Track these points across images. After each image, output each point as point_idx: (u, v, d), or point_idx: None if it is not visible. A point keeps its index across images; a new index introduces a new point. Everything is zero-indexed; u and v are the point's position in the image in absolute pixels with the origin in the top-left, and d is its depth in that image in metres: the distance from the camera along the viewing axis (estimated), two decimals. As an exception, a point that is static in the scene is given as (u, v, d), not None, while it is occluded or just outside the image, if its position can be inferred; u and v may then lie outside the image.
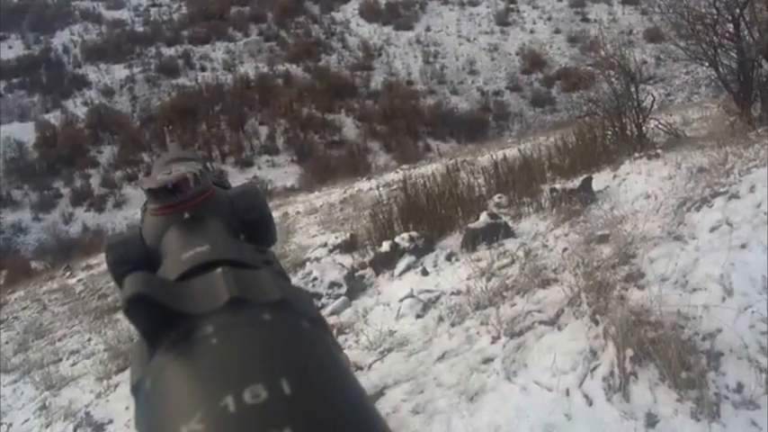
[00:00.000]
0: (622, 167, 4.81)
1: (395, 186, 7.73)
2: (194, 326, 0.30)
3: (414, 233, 4.23)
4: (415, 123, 28.58)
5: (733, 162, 3.79)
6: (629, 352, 2.11)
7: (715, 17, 5.55)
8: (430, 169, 7.83)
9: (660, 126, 5.86)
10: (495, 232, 3.90)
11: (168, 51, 34.15)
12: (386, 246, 4.17)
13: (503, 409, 2.12)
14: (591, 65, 7.92)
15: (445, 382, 2.41)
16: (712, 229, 2.88)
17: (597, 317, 2.42)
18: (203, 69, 33.18)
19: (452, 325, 2.87)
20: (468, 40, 34.74)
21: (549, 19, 35.50)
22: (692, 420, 1.83)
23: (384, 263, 4.07)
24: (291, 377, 0.25)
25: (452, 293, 3.24)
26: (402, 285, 3.63)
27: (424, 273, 3.74)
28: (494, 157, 6.96)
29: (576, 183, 4.35)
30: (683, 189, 3.61)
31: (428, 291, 3.38)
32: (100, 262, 9.06)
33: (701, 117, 7.26)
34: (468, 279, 3.34)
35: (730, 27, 5.52)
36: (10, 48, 33.91)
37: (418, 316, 3.15)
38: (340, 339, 3.12)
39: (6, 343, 5.58)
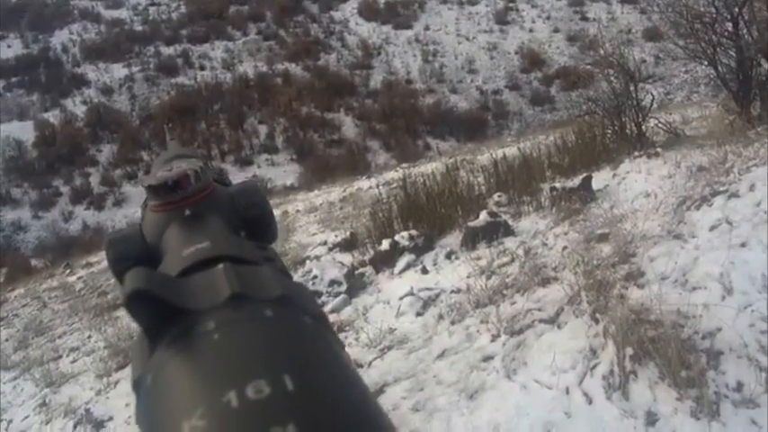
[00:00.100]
0: (622, 166, 4.81)
1: (394, 185, 7.73)
2: (195, 322, 0.30)
3: (413, 231, 4.23)
4: (415, 122, 28.61)
5: (732, 161, 3.79)
6: (629, 350, 2.11)
7: (714, 16, 5.55)
8: (429, 168, 7.84)
9: (659, 125, 5.86)
10: (495, 231, 3.90)
11: (167, 50, 34.14)
12: (386, 244, 4.17)
13: (502, 408, 2.12)
14: (590, 64, 7.91)
15: (445, 379, 2.41)
16: (712, 228, 2.88)
17: (597, 315, 2.42)
18: (202, 68, 33.18)
19: (452, 323, 2.87)
20: (468, 38, 34.74)
21: (548, 18, 35.50)
22: (692, 419, 1.83)
23: (384, 261, 4.07)
24: (294, 373, 0.25)
25: (452, 292, 3.24)
26: (402, 283, 3.63)
27: (424, 271, 3.74)
28: (493, 155, 6.96)
29: (575, 181, 4.35)
30: (683, 188, 3.60)
31: (428, 289, 3.38)
32: (100, 260, 9.07)
33: (701, 116, 7.26)
34: (467, 277, 3.34)
35: (729, 26, 5.52)
36: (9, 47, 33.90)
37: (418, 314, 3.15)
38: (340, 337, 3.12)
39: (6, 340, 5.58)
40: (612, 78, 5.95)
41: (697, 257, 2.64)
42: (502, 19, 35.65)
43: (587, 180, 4.33)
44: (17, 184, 25.36)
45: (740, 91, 5.48)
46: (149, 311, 0.30)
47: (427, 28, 35.76)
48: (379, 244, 4.28)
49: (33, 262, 16.54)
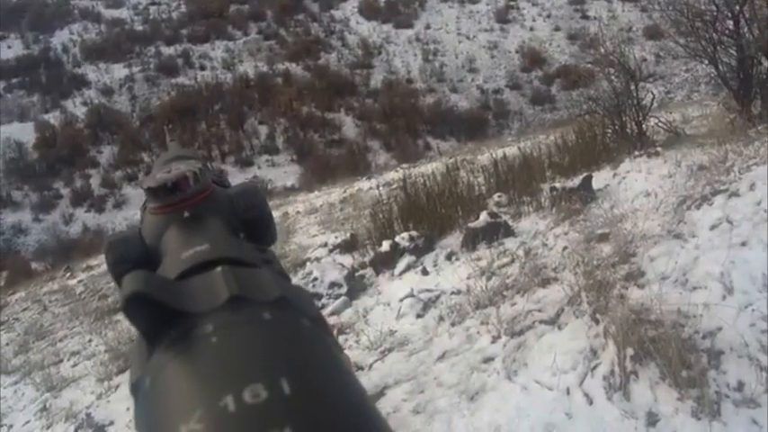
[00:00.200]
0: (622, 166, 4.81)
1: (395, 185, 7.73)
2: (194, 324, 0.30)
3: (414, 233, 4.23)
4: (415, 122, 28.59)
5: (733, 160, 3.79)
6: (630, 351, 2.10)
7: (715, 14, 5.55)
8: (430, 168, 7.84)
9: (660, 124, 5.86)
10: (495, 231, 3.90)
11: (167, 50, 34.13)
12: (386, 245, 4.17)
13: (503, 409, 2.12)
14: (591, 62, 7.91)
15: (446, 381, 2.41)
16: (712, 227, 2.88)
17: (597, 316, 2.42)
18: (203, 68, 33.17)
19: (453, 324, 2.87)
20: (468, 37, 34.73)
21: (549, 16, 35.49)
22: (693, 419, 1.82)
23: (384, 262, 4.07)
24: (291, 376, 0.25)
25: (452, 293, 3.24)
26: (402, 285, 3.63)
27: (425, 272, 3.74)
28: (493, 155, 6.96)
29: (575, 181, 4.35)
30: (684, 187, 3.60)
31: (428, 290, 3.38)
32: (100, 263, 9.06)
33: (701, 115, 7.26)
34: (468, 278, 3.34)
35: (730, 24, 5.52)
36: (9, 47, 33.90)
37: (418, 315, 3.15)
38: (340, 339, 3.12)
39: (7, 344, 5.58)
40: (613, 77, 5.95)
41: (697, 257, 2.64)
42: (502, 17, 35.64)
43: (587, 180, 4.32)
44: (18, 186, 25.35)
45: (741, 89, 5.48)
46: (147, 314, 0.30)
47: (428, 27, 35.76)
48: (380, 245, 4.28)
49: (34, 265, 16.53)
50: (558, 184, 4.45)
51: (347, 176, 14.92)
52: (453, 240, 4.18)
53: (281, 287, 0.33)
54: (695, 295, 2.33)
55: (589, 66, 8.25)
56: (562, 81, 29.06)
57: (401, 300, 3.34)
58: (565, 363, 2.22)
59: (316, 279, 4.02)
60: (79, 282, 8.20)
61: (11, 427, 3.61)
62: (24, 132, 27.38)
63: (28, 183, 25.44)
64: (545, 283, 2.94)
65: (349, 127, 29.23)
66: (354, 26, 36.47)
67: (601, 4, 35.24)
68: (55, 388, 3.94)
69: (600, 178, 4.58)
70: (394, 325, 3.13)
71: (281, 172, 25.56)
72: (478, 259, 3.62)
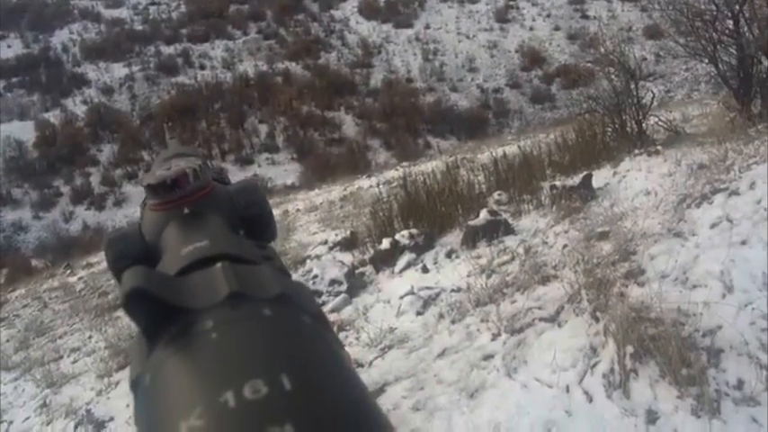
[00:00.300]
0: (622, 164, 4.81)
1: (395, 184, 7.73)
2: (194, 321, 0.30)
3: (414, 230, 4.23)
4: (415, 121, 28.57)
5: (733, 158, 3.79)
6: (630, 349, 2.10)
7: (714, 13, 5.54)
8: (430, 167, 7.83)
9: (660, 123, 5.86)
10: (495, 229, 3.90)
11: (167, 50, 34.11)
12: (386, 243, 4.17)
13: (503, 406, 2.12)
14: (590, 62, 7.91)
15: (445, 378, 2.41)
16: (712, 226, 2.88)
17: (597, 314, 2.42)
18: (203, 68, 33.15)
19: (453, 322, 2.87)
20: (468, 37, 34.70)
21: (549, 16, 35.46)
22: (693, 417, 1.82)
23: (384, 260, 4.07)
24: (292, 372, 0.25)
25: (453, 290, 3.24)
26: (402, 282, 3.63)
27: (425, 270, 3.74)
28: (494, 154, 6.96)
29: (575, 180, 4.35)
30: (683, 186, 3.60)
31: (428, 288, 3.38)
32: (100, 260, 9.06)
33: (701, 114, 7.26)
34: (468, 276, 3.34)
35: (730, 23, 5.51)
36: (9, 47, 33.87)
37: (418, 313, 3.15)
38: (341, 336, 3.12)
39: (7, 341, 5.58)
40: (613, 76, 5.95)
41: (697, 255, 2.64)
42: (502, 17, 35.61)
43: (587, 178, 4.32)
44: (18, 184, 25.35)
45: (741, 88, 5.47)
46: (147, 310, 0.30)
47: (427, 26, 35.73)
48: (380, 243, 4.28)
49: (34, 262, 16.53)
50: (558, 183, 4.45)
51: (347, 175, 14.92)
52: (453, 238, 4.18)
53: (281, 284, 0.33)
54: (695, 293, 2.33)
55: (589, 65, 8.26)
56: (562, 80, 29.06)
57: (401, 297, 3.34)
58: (565, 360, 2.22)
59: (316, 276, 4.02)
60: (79, 279, 8.20)
61: (11, 423, 3.62)
62: (24, 131, 27.37)
63: (28, 181, 25.44)
64: (545, 280, 2.94)
65: (349, 126, 29.22)
66: (354, 26, 36.45)
67: (600, 4, 35.21)
68: (55, 384, 3.94)
69: (600, 177, 4.58)
70: (394, 322, 3.13)
71: (281, 170, 25.56)
72: (478, 257, 3.62)
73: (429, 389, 2.39)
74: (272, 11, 36.91)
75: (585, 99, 6.53)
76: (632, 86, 5.78)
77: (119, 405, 3.32)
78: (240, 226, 0.52)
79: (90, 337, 4.84)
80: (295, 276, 4.09)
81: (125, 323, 4.56)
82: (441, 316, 2.99)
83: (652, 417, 1.87)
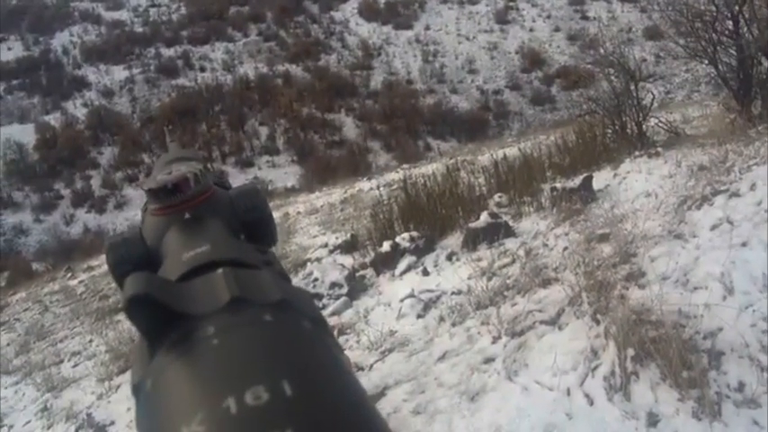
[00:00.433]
0: (623, 166, 4.80)
1: (395, 186, 7.73)
2: (195, 326, 0.30)
3: (414, 233, 4.23)
4: (415, 123, 28.59)
5: (733, 160, 3.79)
6: (630, 351, 2.10)
7: (714, 14, 5.55)
8: (430, 169, 7.84)
9: (660, 124, 5.86)
10: (496, 232, 3.90)
11: (168, 52, 34.15)
12: (386, 246, 4.17)
13: (504, 409, 2.12)
14: (590, 63, 7.90)
15: (446, 381, 2.41)
16: (713, 228, 2.88)
17: (598, 316, 2.42)
18: (203, 70, 33.18)
19: (453, 325, 2.87)
20: (468, 38, 34.73)
21: (549, 17, 35.49)
22: (694, 420, 1.82)
23: (385, 263, 4.07)
24: (293, 378, 0.25)
25: (453, 293, 3.24)
26: (403, 285, 3.63)
27: (425, 273, 3.74)
28: (494, 156, 6.96)
29: (576, 182, 4.35)
30: (684, 187, 3.60)
31: (429, 291, 3.38)
32: (101, 263, 9.06)
33: (701, 115, 7.26)
34: (468, 279, 3.34)
35: (730, 24, 5.52)
36: (9, 49, 33.92)
37: (419, 316, 3.15)
38: (341, 340, 3.12)
39: (8, 345, 5.58)
40: (613, 78, 5.95)
41: (698, 257, 2.64)
42: (502, 18, 35.64)
43: (588, 180, 4.32)
44: (18, 187, 25.37)
45: (741, 89, 5.48)
46: (149, 316, 0.30)
47: (428, 28, 35.77)
48: (380, 246, 4.28)
49: (35, 266, 16.53)
50: (558, 185, 4.44)
51: (348, 177, 14.93)
52: (454, 241, 4.18)
53: (281, 289, 0.33)
54: (696, 296, 2.33)
55: (589, 66, 8.24)
56: (562, 81, 29.06)
57: (402, 300, 3.34)
58: (565, 363, 2.22)
59: (316, 279, 4.02)
60: (80, 282, 8.20)
61: (11, 427, 3.61)
62: (25, 134, 27.40)
63: (29, 184, 25.46)
64: (546, 283, 2.94)
65: (349, 128, 29.23)
66: (354, 27, 36.48)
67: (600, 5, 35.25)
68: (56, 388, 3.94)
69: (600, 178, 4.58)
70: (394, 325, 3.13)
71: (281, 173, 25.57)
72: (479, 260, 3.62)
73: (430, 392, 2.39)
74: (272, 13, 36.95)
75: (586, 100, 6.53)
76: (632, 88, 5.78)
77: (119, 409, 3.32)
78: (241, 230, 0.52)
79: (91, 340, 4.84)
80: (295, 279, 4.10)
81: (126, 327, 4.56)
82: (441, 319, 2.99)
83: (653, 419, 1.87)
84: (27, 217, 23.92)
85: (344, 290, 3.86)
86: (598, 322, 2.38)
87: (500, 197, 4.92)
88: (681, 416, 1.84)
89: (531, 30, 34.83)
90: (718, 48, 5.58)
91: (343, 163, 23.15)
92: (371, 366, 2.76)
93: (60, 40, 35.18)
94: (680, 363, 1.97)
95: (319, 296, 3.83)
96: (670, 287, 2.47)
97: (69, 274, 9.51)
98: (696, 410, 1.84)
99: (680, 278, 2.54)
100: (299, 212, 9.25)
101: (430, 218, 4.54)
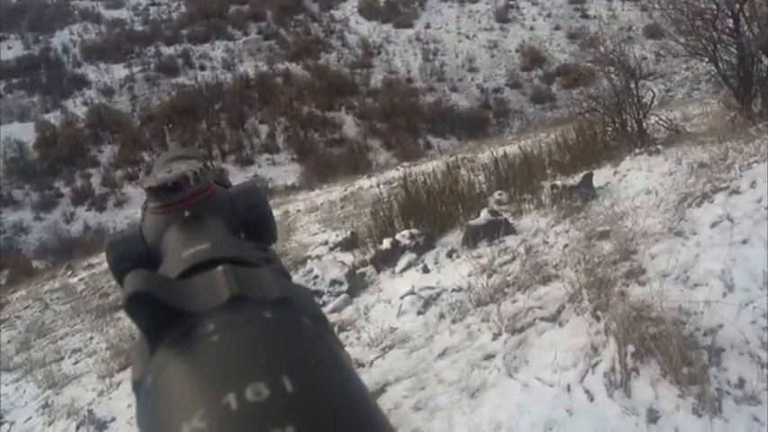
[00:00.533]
0: (623, 164, 4.80)
1: (395, 184, 7.73)
2: (195, 324, 0.30)
3: (414, 230, 4.23)
4: (415, 121, 28.60)
5: (734, 157, 3.78)
6: (631, 348, 2.10)
7: (715, 12, 5.54)
8: (430, 166, 7.83)
9: (660, 122, 5.85)
10: (496, 229, 3.90)
11: (168, 50, 34.14)
12: (387, 243, 4.17)
13: (504, 406, 2.12)
14: (591, 61, 7.90)
15: (446, 378, 2.42)
16: (713, 225, 2.88)
17: (598, 313, 2.42)
18: (203, 68, 33.18)
19: (453, 322, 2.87)
20: (468, 37, 34.71)
21: (549, 15, 35.46)
22: (694, 416, 1.83)
23: (385, 260, 4.07)
24: (293, 375, 0.25)
25: (453, 290, 3.24)
26: (403, 282, 3.64)
27: (425, 270, 3.74)
28: (494, 153, 6.95)
29: (576, 179, 4.35)
30: (684, 185, 3.60)
31: (429, 288, 3.38)
32: (101, 261, 9.07)
33: (702, 113, 7.26)
34: (469, 276, 3.34)
35: (730, 22, 5.51)
36: (9, 48, 33.91)
37: (419, 313, 3.15)
38: (341, 337, 3.13)
39: (8, 342, 5.59)
40: (613, 76, 5.95)
41: (698, 254, 2.64)
42: (502, 17, 35.62)
43: (588, 177, 4.32)
44: (18, 185, 25.40)
45: (741, 87, 5.47)
46: (149, 314, 0.30)
47: (428, 26, 35.74)
48: (380, 243, 4.28)
49: (35, 263, 16.55)
50: (558, 182, 4.44)
51: (348, 175, 14.93)
52: (454, 238, 4.18)
53: (281, 286, 0.33)
54: (696, 292, 2.33)
55: (589, 64, 8.25)
56: (562, 80, 29.08)
57: (402, 297, 3.34)
58: (566, 360, 2.23)
59: (317, 277, 4.02)
60: (80, 280, 8.21)
61: (13, 423, 3.62)
62: (25, 132, 27.42)
63: (29, 182, 25.49)
64: (546, 280, 2.94)
65: (349, 126, 29.23)
66: (354, 26, 36.46)
67: (601, 3, 35.21)
68: (56, 385, 3.94)
69: (600, 176, 4.58)
70: (395, 322, 3.13)
71: (281, 171, 25.58)
72: (479, 257, 3.62)
73: (430, 388, 2.39)
74: (272, 11, 36.93)
75: (586, 98, 6.53)
76: (632, 86, 5.78)
77: (120, 405, 3.32)
78: (241, 228, 0.52)
79: (91, 337, 4.85)
80: (296, 277, 4.10)
81: (126, 324, 4.57)
82: (441, 316, 2.99)
83: (653, 416, 1.87)
84: (27, 215, 23.94)
85: (345, 287, 3.86)
86: (598, 319, 2.38)
87: (500, 195, 4.92)
88: (681, 412, 1.85)
89: (531, 28, 34.81)
90: (719, 46, 5.57)
91: (343, 161, 23.16)
92: (372, 363, 2.76)
93: (60, 38, 35.17)
94: (680, 359, 1.97)
95: (319, 293, 3.83)
96: (670, 284, 2.47)
97: (69, 272, 9.53)
98: (696, 407, 1.85)
99: (680, 275, 2.54)
100: (299, 210, 9.25)
101: (430, 215, 4.54)
